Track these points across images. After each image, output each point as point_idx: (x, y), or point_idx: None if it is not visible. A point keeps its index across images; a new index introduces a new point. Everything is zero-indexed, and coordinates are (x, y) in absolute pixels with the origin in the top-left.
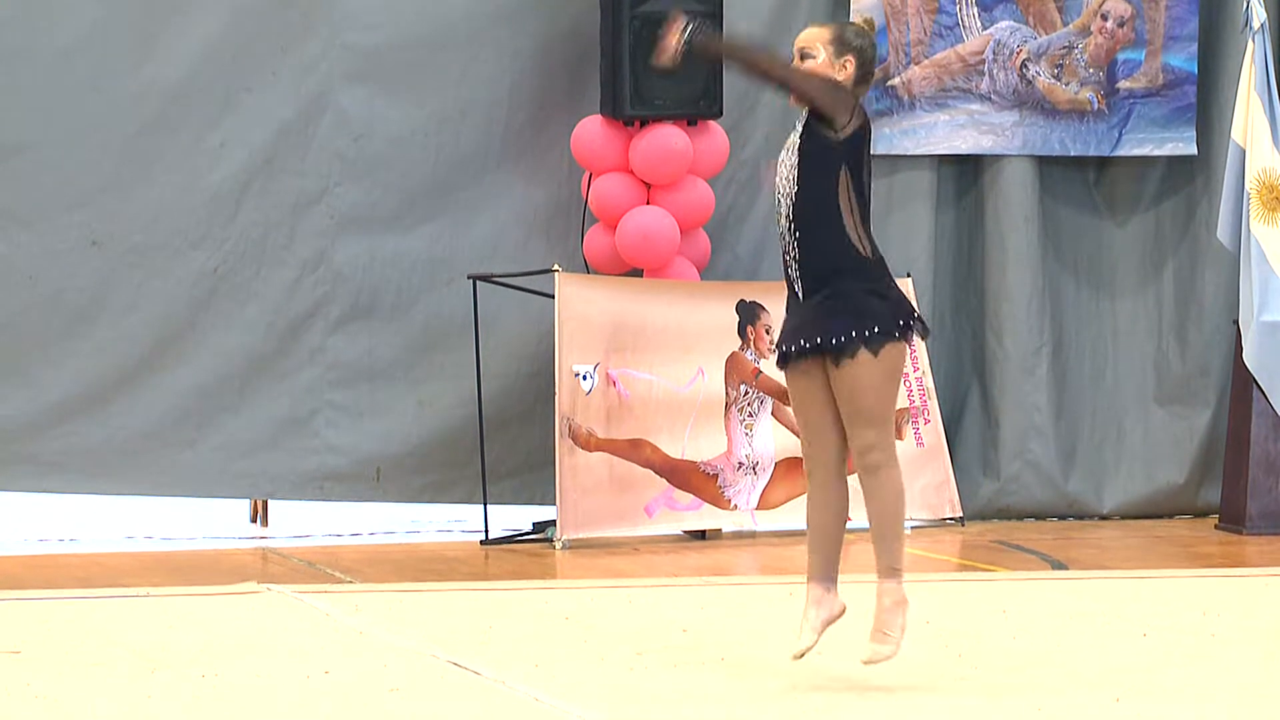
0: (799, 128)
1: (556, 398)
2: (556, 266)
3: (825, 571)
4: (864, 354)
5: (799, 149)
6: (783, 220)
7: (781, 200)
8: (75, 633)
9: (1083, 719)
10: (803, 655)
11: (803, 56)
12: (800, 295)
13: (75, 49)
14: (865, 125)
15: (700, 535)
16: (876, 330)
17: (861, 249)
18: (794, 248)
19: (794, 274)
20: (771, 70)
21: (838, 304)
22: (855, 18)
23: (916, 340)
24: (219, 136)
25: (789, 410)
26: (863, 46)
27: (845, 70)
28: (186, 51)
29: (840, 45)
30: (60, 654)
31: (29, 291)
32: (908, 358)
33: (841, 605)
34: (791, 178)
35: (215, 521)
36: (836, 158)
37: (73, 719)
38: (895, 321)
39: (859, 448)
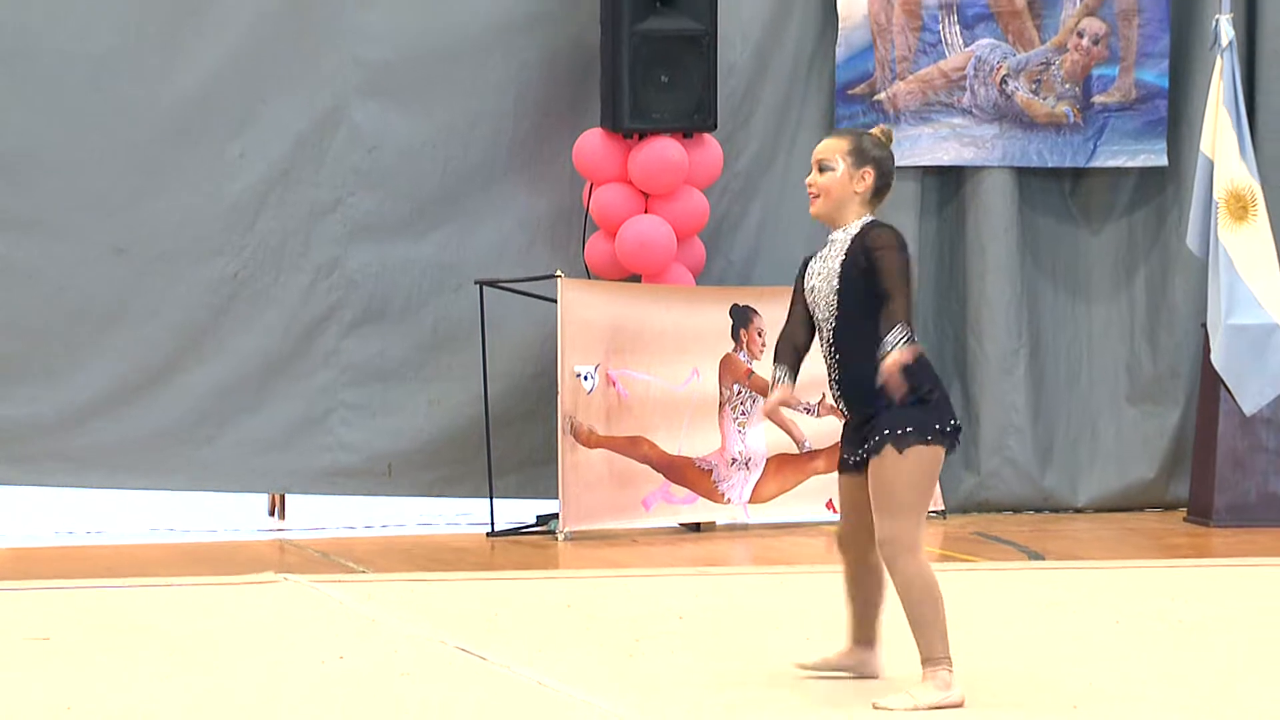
0: (836, 247)
1: (559, 397)
2: (559, 272)
3: (855, 633)
4: (890, 450)
5: (840, 275)
6: (824, 344)
7: (822, 324)
8: (101, 620)
9: (1058, 703)
10: (802, 666)
11: (821, 168)
12: (847, 413)
13: (99, 66)
14: (907, 254)
15: (695, 528)
16: (908, 431)
17: (904, 342)
18: (836, 369)
19: (836, 393)
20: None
21: (880, 418)
22: (840, 51)
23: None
24: (238, 148)
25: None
26: (881, 158)
27: (864, 181)
28: (207, 68)
29: (859, 156)
30: (87, 640)
31: (59, 298)
32: (941, 461)
33: (873, 668)
34: (832, 304)
35: (235, 515)
36: (883, 285)
37: (98, 701)
38: (930, 426)
39: (879, 539)
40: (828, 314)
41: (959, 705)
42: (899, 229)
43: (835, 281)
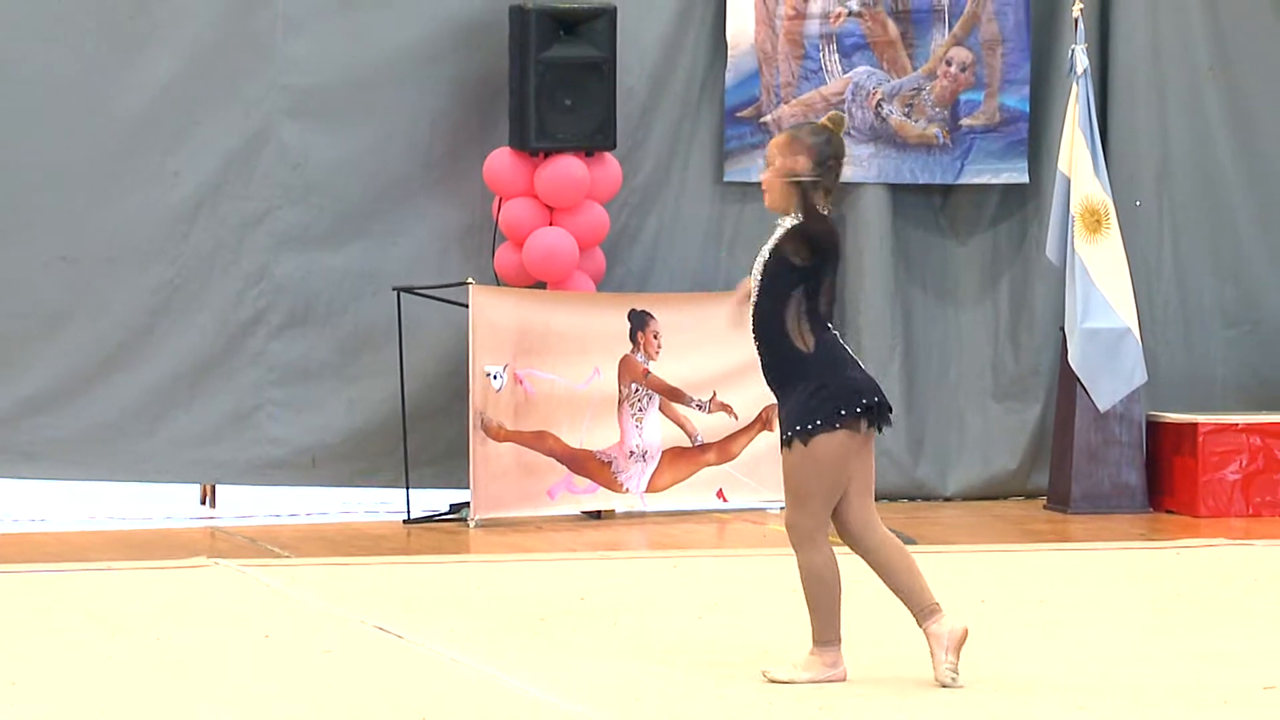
0: (774, 236)
1: (470, 395)
2: (470, 279)
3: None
4: (795, 443)
5: (763, 263)
6: (750, 327)
7: (750, 307)
8: (44, 602)
9: (928, 675)
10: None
11: (766, 164)
12: (773, 394)
13: (45, 86)
14: (829, 253)
15: (596, 515)
16: (811, 424)
17: (804, 346)
18: (758, 352)
19: (762, 374)
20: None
21: (784, 408)
22: (730, 77)
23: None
24: (174, 165)
25: (674, 406)
26: (814, 143)
27: (798, 163)
28: (145, 89)
29: (794, 144)
30: (31, 621)
31: (7, 300)
32: (853, 439)
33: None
34: (755, 290)
35: (169, 504)
36: (795, 279)
37: (42, 678)
38: (833, 413)
39: (785, 525)
40: (754, 298)
41: (840, 680)
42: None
43: (759, 269)
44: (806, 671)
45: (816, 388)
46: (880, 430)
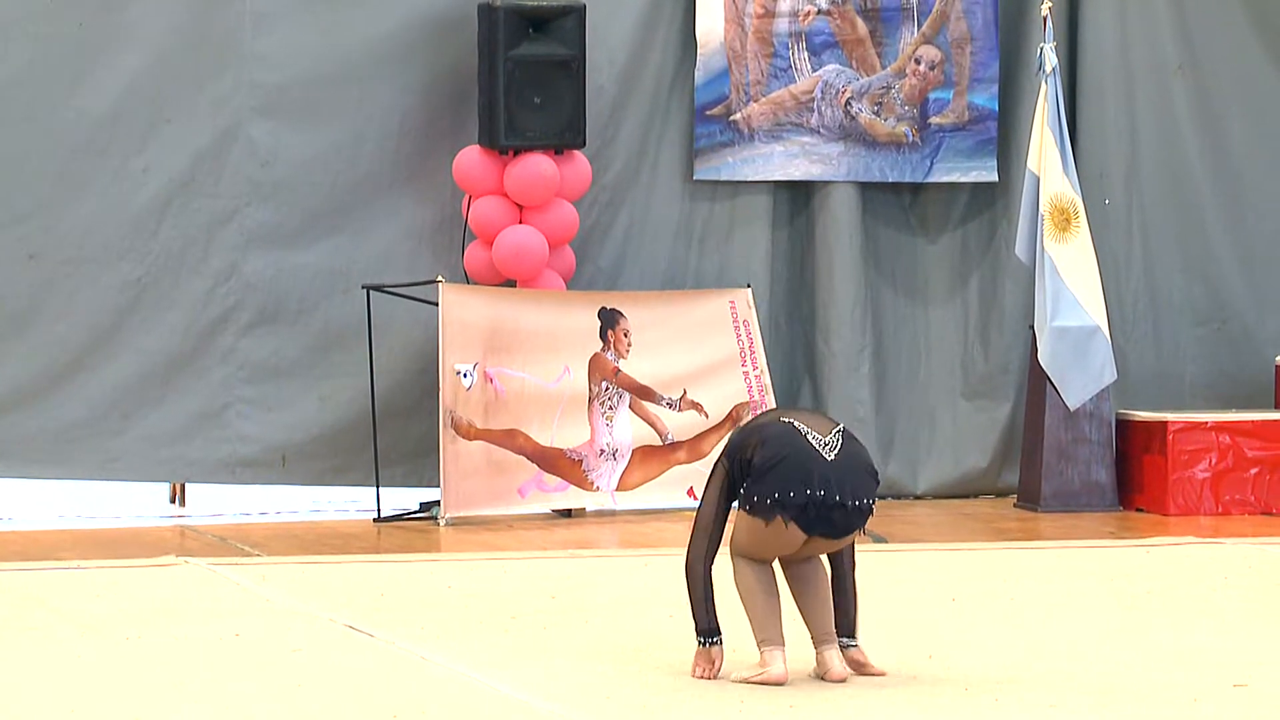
0: None
1: (440, 393)
2: (440, 277)
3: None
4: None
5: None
6: None
7: None
8: (13, 600)
9: (899, 673)
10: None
11: None
12: None
13: (12, 83)
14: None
15: (566, 514)
16: (742, 495)
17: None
18: None
19: None
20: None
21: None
22: (699, 75)
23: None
24: (143, 162)
25: (645, 404)
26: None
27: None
28: (113, 86)
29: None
30: (1, 619)
31: None
32: (770, 529)
33: (836, 671)
34: None
35: (138, 502)
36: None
37: (10, 677)
38: (750, 498)
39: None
40: None
41: (777, 682)
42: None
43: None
44: (746, 671)
45: (761, 468)
46: (813, 534)
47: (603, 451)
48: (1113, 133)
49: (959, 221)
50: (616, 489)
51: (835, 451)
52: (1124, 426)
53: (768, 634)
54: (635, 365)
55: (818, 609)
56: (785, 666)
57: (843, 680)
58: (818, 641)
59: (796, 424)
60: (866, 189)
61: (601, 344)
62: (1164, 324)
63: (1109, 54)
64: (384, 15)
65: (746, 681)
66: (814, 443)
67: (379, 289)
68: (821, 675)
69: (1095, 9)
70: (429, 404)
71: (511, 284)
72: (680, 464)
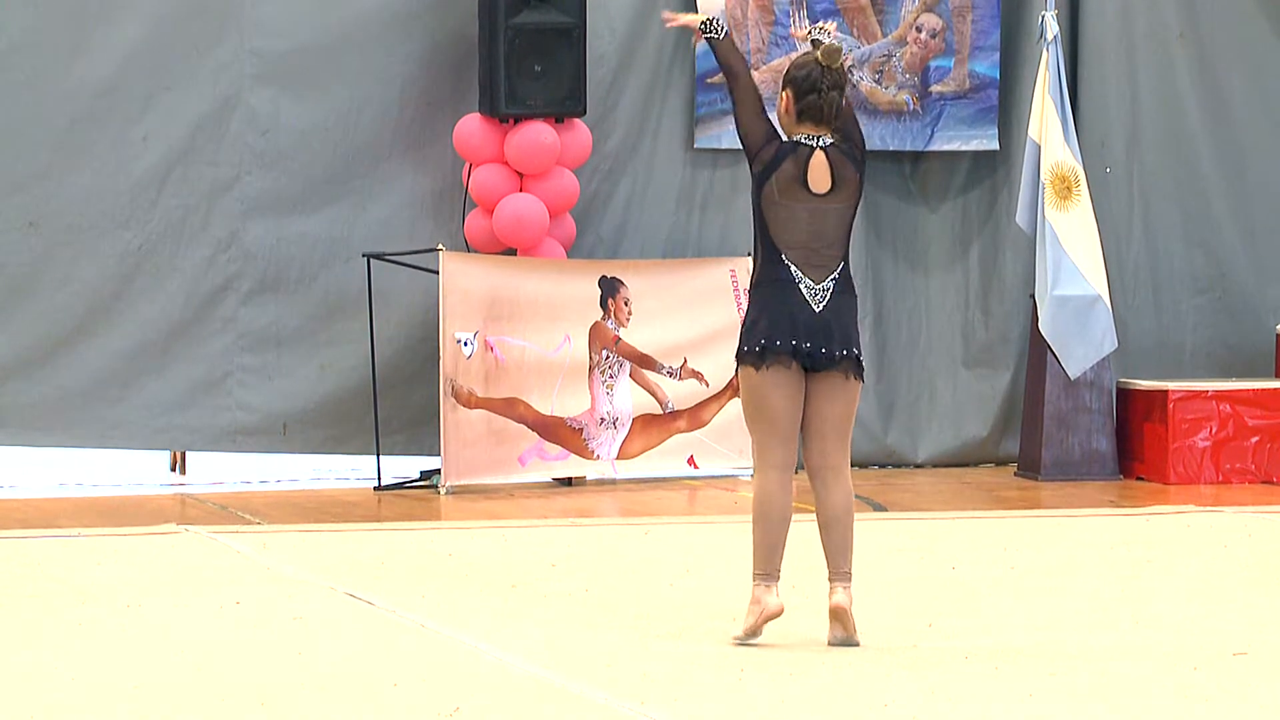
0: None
1: (441, 361)
2: (441, 246)
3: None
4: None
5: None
6: None
7: None
8: (14, 568)
9: (899, 642)
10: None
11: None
12: None
13: (12, 52)
14: (768, 171)
15: (567, 482)
16: (737, 353)
17: (751, 275)
18: None
19: None
20: (733, 86)
21: None
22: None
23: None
24: (142, 130)
25: (645, 373)
26: (795, 77)
27: (784, 102)
28: (113, 55)
29: (782, 81)
30: (2, 587)
31: None
32: (760, 379)
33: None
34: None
35: (139, 471)
36: (753, 186)
37: (12, 644)
38: (739, 349)
39: None
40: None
41: (774, 614)
42: (748, 209)
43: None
44: (743, 625)
45: (751, 320)
46: (808, 369)
47: (603, 420)
48: (1114, 101)
49: (960, 190)
50: (617, 457)
51: (823, 304)
52: (1124, 395)
53: (762, 568)
54: (636, 334)
55: (832, 549)
56: (779, 598)
57: (841, 610)
58: (829, 577)
59: (794, 269)
60: (867, 157)
61: (602, 312)
62: (1165, 292)
63: (1110, 22)
64: None
65: (750, 631)
66: (804, 291)
67: (379, 257)
68: (834, 618)
69: None
70: (430, 372)
71: (512, 252)
72: (680, 432)
